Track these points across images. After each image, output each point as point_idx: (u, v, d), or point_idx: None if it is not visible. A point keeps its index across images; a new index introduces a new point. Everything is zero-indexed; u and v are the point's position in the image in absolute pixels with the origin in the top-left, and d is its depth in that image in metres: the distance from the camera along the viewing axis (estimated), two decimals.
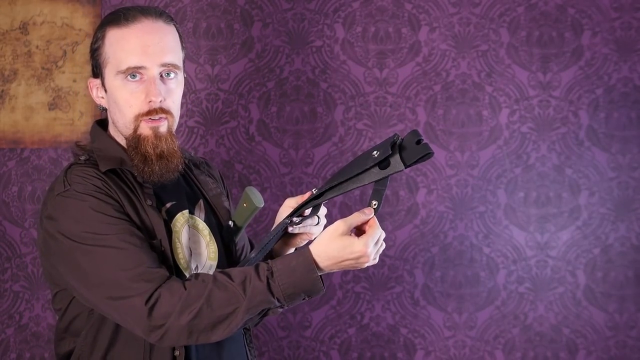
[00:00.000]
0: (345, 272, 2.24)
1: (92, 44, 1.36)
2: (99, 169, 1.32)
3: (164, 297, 1.19)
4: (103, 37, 1.33)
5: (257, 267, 1.21)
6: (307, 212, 1.31)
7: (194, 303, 1.18)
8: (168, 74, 1.32)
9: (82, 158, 1.35)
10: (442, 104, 2.24)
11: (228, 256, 1.44)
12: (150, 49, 1.30)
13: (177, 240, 1.34)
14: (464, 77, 2.24)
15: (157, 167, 1.32)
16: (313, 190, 1.27)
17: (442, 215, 2.24)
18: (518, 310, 2.24)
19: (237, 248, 1.47)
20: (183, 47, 1.38)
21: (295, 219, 1.30)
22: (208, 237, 1.40)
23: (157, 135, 1.32)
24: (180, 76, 1.37)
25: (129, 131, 1.33)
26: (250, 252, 1.42)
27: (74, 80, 2.22)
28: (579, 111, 2.23)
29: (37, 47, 2.21)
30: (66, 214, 1.27)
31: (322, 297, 2.19)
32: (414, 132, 1.21)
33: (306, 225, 1.34)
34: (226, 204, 1.47)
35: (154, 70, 1.30)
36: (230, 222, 1.42)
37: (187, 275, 1.33)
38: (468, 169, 2.24)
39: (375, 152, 1.20)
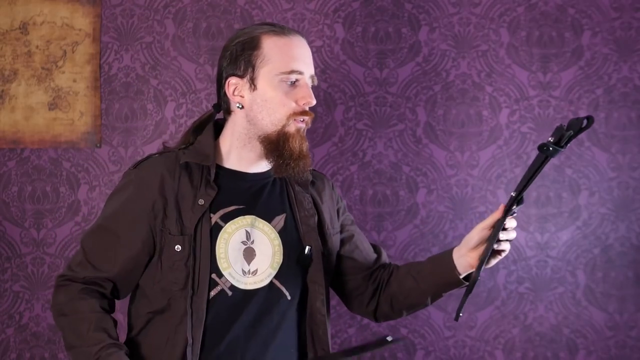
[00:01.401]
0: None
1: (237, 47, 1.49)
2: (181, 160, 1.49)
3: (60, 290, 1.48)
4: (259, 42, 1.47)
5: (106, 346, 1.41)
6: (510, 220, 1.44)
7: (63, 317, 1.46)
8: (312, 85, 1.51)
9: (182, 148, 1.53)
10: (442, 104, 2.24)
11: (304, 275, 1.53)
12: (307, 60, 1.49)
13: (221, 241, 1.45)
14: (464, 77, 2.24)
15: (301, 164, 1.48)
16: (512, 193, 1.41)
17: (442, 215, 2.24)
18: (518, 310, 2.24)
19: (329, 274, 1.59)
20: None
21: (513, 211, 1.41)
22: (277, 247, 1.49)
23: (301, 135, 1.48)
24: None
25: (274, 128, 1.47)
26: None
27: (74, 80, 2.22)
28: (579, 111, 2.23)
29: (37, 47, 2.21)
30: (116, 187, 1.53)
31: None
32: (577, 119, 1.35)
33: (510, 231, 1.46)
34: (312, 226, 1.55)
35: (307, 79, 1.49)
36: (307, 248, 1.51)
37: (225, 275, 1.44)
38: (468, 169, 2.24)
39: (550, 138, 1.35)
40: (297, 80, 1.46)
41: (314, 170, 1.66)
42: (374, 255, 1.65)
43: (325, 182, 1.65)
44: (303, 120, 1.48)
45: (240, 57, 1.47)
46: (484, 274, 2.23)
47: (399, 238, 2.24)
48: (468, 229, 2.22)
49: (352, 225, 1.66)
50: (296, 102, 1.46)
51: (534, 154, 2.22)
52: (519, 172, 2.23)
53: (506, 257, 2.22)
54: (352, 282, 1.62)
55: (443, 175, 2.24)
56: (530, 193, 2.23)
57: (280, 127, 1.46)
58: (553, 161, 2.22)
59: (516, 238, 2.21)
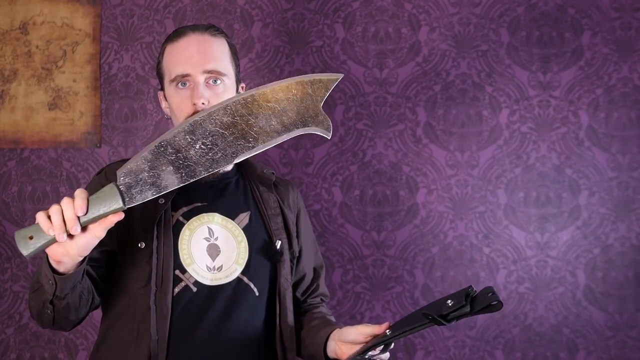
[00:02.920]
0: (345, 272, 2.24)
1: (157, 61, 1.58)
2: None
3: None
4: (162, 54, 1.55)
5: None
6: (379, 349, 1.34)
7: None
8: (215, 80, 1.49)
9: None
10: (442, 104, 2.24)
11: (272, 271, 1.53)
12: (194, 58, 1.48)
13: (183, 237, 1.47)
14: (464, 77, 2.24)
15: None
16: (387, 331, 1.31)
17: (442, 215, 2.24)
18: (518, 310, 2.24)
19: (293, 274, 1.60)
20: (234, 58, 1.55)
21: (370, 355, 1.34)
22: (242, 244, 1.51)
23: None
24: (229, 82, 1.52)
25: None
26: None
27: (74, 80, 2.22)
28: (579, 111, 2.23)
29: (37, 47, 2.21)
30: None
31: None
32: (489, 287, 1.24)
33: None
34: (280, 224, 1.57)
35: (198, 77, 1.48)
36: (278, 243, 1.52)
37: (189, 271, 1.46)
38: (468, 169, 2.24)
39: (449, 301, 1.24)
40: (187, 82, 1.50)
41: (278, 177, 1.68)
42: (311, 276, 1.66)
43: (289, 188, 1.67)
44: None
45: (157, 71, 1.59)
46: (484, 274, 2.24)
47: (399, 238, 2.24)
48: (468, 229, 2.23)
49: (305, 240, 1.65)
50: (190, 104, 1.49)
51: (534, 154, 2.23)
52: (519, 172, 2.23)
53: (506, 257, 2.23)
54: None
55: (443, 175, 2.24)
56: (530, 193, 2.24)
57: None
58: (553, 161, 2.24)
59: (516, 238, 2.23)
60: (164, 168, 1.23)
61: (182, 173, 1.24)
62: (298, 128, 1.26)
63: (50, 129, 2.22)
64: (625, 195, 2.23)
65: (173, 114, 1.54)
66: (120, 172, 1.23)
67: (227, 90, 1.53)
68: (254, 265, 1.50)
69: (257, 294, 1.49)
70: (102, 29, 2.22)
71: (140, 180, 1.22)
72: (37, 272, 1.35)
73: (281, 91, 1.26)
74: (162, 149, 1.23)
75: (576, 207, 2.23)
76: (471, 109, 2.24)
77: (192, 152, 1.24)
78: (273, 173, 1.65)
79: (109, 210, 1.21)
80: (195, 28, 1.54)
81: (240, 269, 1.49)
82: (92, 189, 1.49)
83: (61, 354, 2.21)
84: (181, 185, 1.26)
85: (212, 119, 1.24)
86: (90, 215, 1.20)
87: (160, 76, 1.57)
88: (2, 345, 2.21)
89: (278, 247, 1.52)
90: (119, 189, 1.22)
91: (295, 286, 1.63)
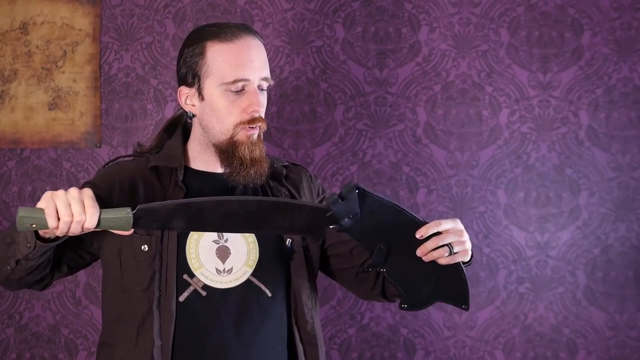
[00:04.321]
0: None
1: (186, 55, 1.47)
2: (149, 163, 1.50)
3: None
4: (203, 51, 1.45)
5: None
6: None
7: None
8: (264, 87, 1.47)
9: (153, 152, 1.55)
10: (442, 104, 2.24)
11: (286, 270, 1.50)
12: (254, 64, 1.44)
13: (191, 241, 1.45)
14: (464, 77, 2.24)
15: (252, 171, 1.46)
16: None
17: (442, 215, 2.23)
18: (518, 310, 2.24)
19: (313, 267, 1.55)
20: None
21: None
22: (252, 245, 1.48)
23: (251, 141, 1.46)
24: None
25: (224, 137, 1.46)
26: None
27: (74, 80, 2.22)
28: (579, 111, 2.23)
29: (37, 47, 2.22)
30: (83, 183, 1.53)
31: (322, 298, 2.19)
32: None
33: None
34: None
35: (256, 83, 1.44)
36: (288, 241, 1.50)
37: (197, 275, 1.44)
38: (468, 169, 2.24)
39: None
40: (243, 87, 1.43)
41: (291, 164, 1.63)
42: None
43: (302, 174, 1.62)
44: (253, 127, 1.45)
45: (187, 66, 1.47)
46: (484, 274, 2.24)
47: None
48: (468, 229, 2.22)
49: None
50: (243, 110, 1.44)
51: (534, 154, 2.23)
52: (519, 172, 2.23)
53: (506, 257, 2.24)
54: (351, 271, 1.58)
55: (443, 175, 2.24)
56: (530, 193, 2.23)
57: (229, 136, 1.45)
58: (553, 161, 2.24)
59: (516, 238, 2.23)
60: (178, 216, 1.31)
61: (191, 225, 1.33)
62: (299, 232, 1.40)
63: (50, 129, 2.22)
64: (625, 195, 2.23)
65: (215, 116, 1.46)
66: (141, 206, 1.28)
67: (266, 96, 1.50)
68: (265, 266, 1.47)
69: (269, 295, 1.46)
70: (102, 29, 2.22)
71: (153, 217, 1.30)
72: (14, 228, 1.35)
73: (306, 207, 1.35)
74: (188, 207, 1.31)
75: (576, 207, 2.23)
76: (471, 109, 2.24)
77: (210, 216, 1.32)
78: (284, 166, 1.60)
79: (116, 230, 1.30)
80: (245, 30, 1.46)
81: (250, 270, 1.46)
82: (98, 184, 1.48)
83: (61, 354, 2.21)
84: (184, 231, 1.36)
85: (242, 204, 1.33)
86: (98, 229, 1.28)
87: (194, 73, 1.46)
88: (2, 345, 2.21)
89: (288, 245, 1.49)
90: (133, 216, 1.29)
91: (354, 257, 1.56)
